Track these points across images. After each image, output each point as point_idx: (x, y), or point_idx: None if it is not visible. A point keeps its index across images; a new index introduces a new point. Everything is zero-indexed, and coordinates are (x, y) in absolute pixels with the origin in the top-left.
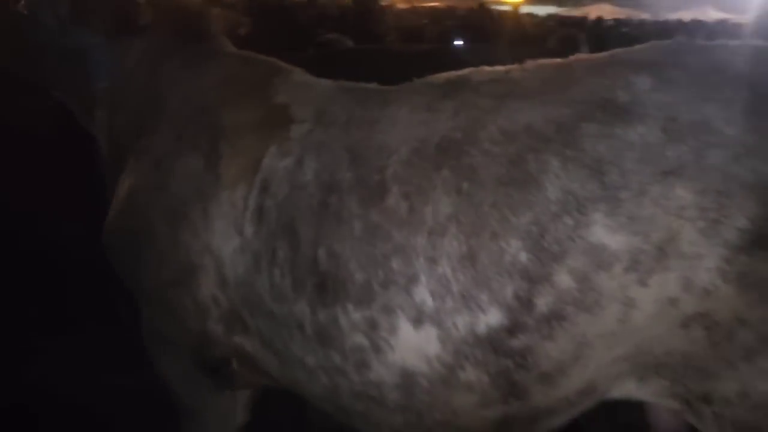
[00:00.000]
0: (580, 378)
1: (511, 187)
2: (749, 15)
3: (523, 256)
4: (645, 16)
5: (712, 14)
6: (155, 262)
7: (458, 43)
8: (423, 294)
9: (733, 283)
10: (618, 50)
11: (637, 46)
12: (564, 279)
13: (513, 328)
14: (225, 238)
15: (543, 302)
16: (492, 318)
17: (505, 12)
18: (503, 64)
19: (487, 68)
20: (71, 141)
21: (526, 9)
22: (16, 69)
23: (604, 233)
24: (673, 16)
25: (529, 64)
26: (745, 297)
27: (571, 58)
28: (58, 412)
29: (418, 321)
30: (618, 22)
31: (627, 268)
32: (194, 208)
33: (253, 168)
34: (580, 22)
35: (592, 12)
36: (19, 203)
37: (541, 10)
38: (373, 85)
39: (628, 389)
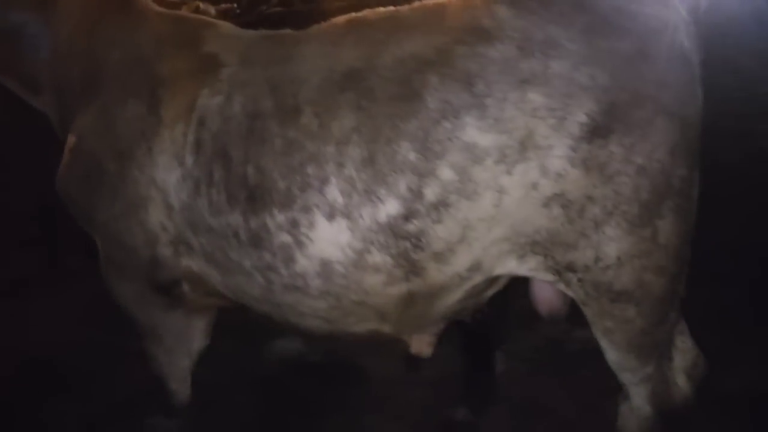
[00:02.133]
0: (467, 256)
1: (400, 101)
2: None
3: (412, 156)
4: None
5: None
6: (107, 198)
7: None
8: (334, 193)
9: (579, 167)
10: None
11: None
12: (446, 172)
13: (408, 215)
14: (168, 171)
15: (431, 192)
16: (390, 207)
17: None
18: None
19: (381, 8)
20: None
21: None
22: None
23: (476, 133)
24: None
25: (415, 4)
26: (590, 178)
27: None
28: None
29: (331, 216)
30: None
31: (496, 161)
32: (139, 147)
33: (189, 108)
34: None
35: None
36: None
37: None
38: (287, 31)
39: (511, 267)
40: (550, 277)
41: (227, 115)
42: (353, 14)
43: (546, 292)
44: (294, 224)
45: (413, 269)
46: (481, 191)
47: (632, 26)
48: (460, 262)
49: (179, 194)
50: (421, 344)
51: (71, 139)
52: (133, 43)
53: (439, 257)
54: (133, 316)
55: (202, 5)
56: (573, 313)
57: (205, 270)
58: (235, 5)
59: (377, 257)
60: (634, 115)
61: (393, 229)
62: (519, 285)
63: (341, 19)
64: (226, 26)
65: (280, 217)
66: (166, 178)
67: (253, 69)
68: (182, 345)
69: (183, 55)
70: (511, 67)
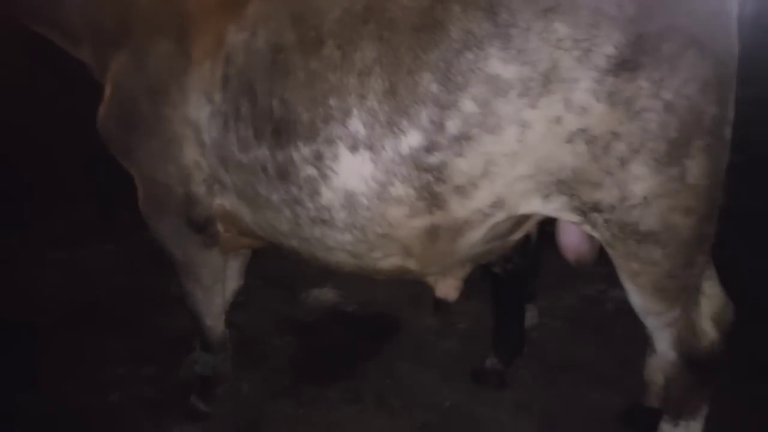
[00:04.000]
0: (490, 192)
1: (422, 32)
2: None
3: (434, 87)
4: None
5: None
6: (143, 136)
7: None
8: (356, 124)
9: (604, 101)
10: None
11: None
12: (468, 104)
13: (430, 147)
14: (199, 108)
15: (452, 125)
16: (412, 139)
17: None
18: None
19: None
20: None
21: None
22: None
23: (499, 65)
24: None
25: None
26: (615, 113)
27: None
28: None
29: (354, 148)
30: None
31: (520, 94)
32: (171, 86)
33: (217, 45)
34: None
35: None
36: None
37: None
38: None
39: (535, 206)
40: (575, 217)
41: (252, 49)
42: None
43: (573, 237)
44: (318, 157)
45: (436, 202)
46: (504, 125)
47: None
48: (483, 197)
49: (210, 131)
50: (448, 288)
51: (109, 81)
52: None
53: (462, 191)
54: (172, 253)
55: None
56: (609, 273)
57: (237, 207)
58: None
59: (400, 189)
60: (663, 48)
61: (415, 161)
62: (555, 244)
63: None
64: None
65: (305, 150)
66: (198, 116)
67: (276, 3)
68: (218, 283)
69: None
70: None
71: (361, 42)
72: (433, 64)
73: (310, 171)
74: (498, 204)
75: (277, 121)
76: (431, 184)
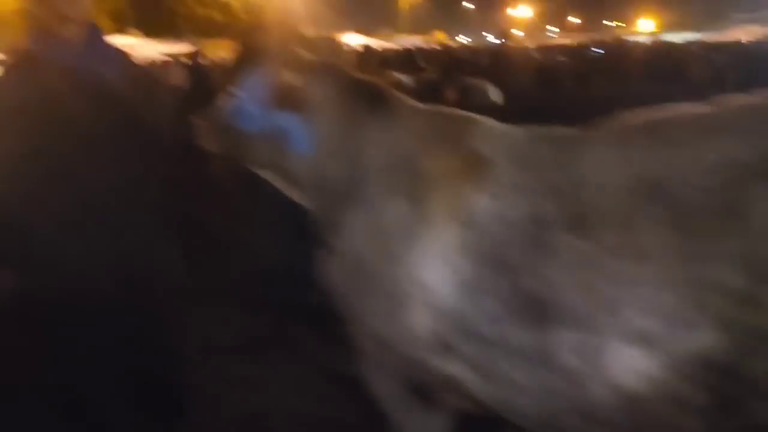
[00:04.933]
0: None
1: (720, 217)
2: None
3: (737, 280)
4: None
5: None
6: (371, 296)
7: None
8: (637, 315)
9: None
10: None
11: None
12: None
13: (733, 350)
14: (434, 272)
15: (759, 321)
16: (708, 338)
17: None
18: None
19: (684, 106)
20: None
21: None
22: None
23: None
24: None
25: (727, 102)
26: None
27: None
28: None
29: (636, 342)
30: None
31: None
32: (403, 247)
33: (455, 208)
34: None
35: (738, 35)
36: None
37: (678, 37)
38: (565, 129)
39: None
40: None
41: (500, 218)
42: (651, 114)
43: None
44: (585, 346)
45: (737, 412)
46: None
47: None
48: None
49: (450, 298)
50: None
51: (342, 235)
52: (395, 142)
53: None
54: (387, 410)
55: (398, 75)
56: None
57: (469, 378)
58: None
59: (697, 397)
60: None
61: (710, 365)
62: None
63: (636, 117)
64: (488, 122)
65: (569, 337)
66: (435, 280)
67: (529, 170)
68: None
69: (445, 152)
70: None
71: (643, 224)
72: (737, 253)
73: (573, 360)
74: None
75: (538, 303)
76: (733, 390)
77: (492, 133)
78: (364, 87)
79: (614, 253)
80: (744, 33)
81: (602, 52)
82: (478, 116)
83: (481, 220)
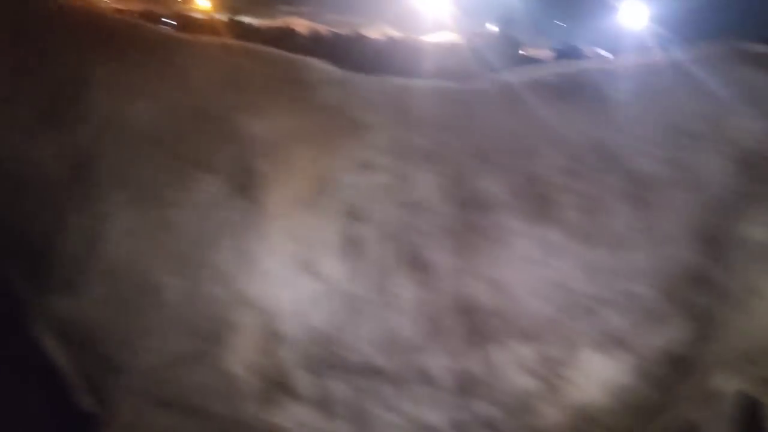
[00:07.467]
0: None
1: (682, 190)
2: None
3: (700, 259)
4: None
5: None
6: (156, 332)
7: None
8: (612, 315)
9: None
10: None
11: None
12: (724, 276)
13: (695, 339)
14: (284, 284)
15: (715, 306)
16: (678, 331)
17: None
18: None
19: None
20: None
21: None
22: None
23: (751, 228)
24: None
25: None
26: None
27: None
28: None
29: (604, 347)
30: None
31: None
32: (220, 250)
33: (319, 189)
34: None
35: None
36: None
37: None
38: (440, 82)
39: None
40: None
41: (411, 201)
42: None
43: None
44: (545, 361)
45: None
46: (749, 298)
47: None
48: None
49: (307, 318)
50: None
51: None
52: (181, 88)
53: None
54: None
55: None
56: None
57: (314, 424)
58: None
59: (649, 395)
60: None
61: (672, 358)
62: None
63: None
64: (330, 68)
65: (524, 353)
66: (277, 295)
67: (437, 135)
68: None
69: (285, 108)
70: None
71: (607, 201)
72: (697, 229)
73: (525, 381)
74: None
75: (473, 311)
76: (676, 380)
77: (347, 82)
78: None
79: (589, 239)
80: (295, 23)
81: (174, 23)
82: (312, 60)
83: (362, 202)
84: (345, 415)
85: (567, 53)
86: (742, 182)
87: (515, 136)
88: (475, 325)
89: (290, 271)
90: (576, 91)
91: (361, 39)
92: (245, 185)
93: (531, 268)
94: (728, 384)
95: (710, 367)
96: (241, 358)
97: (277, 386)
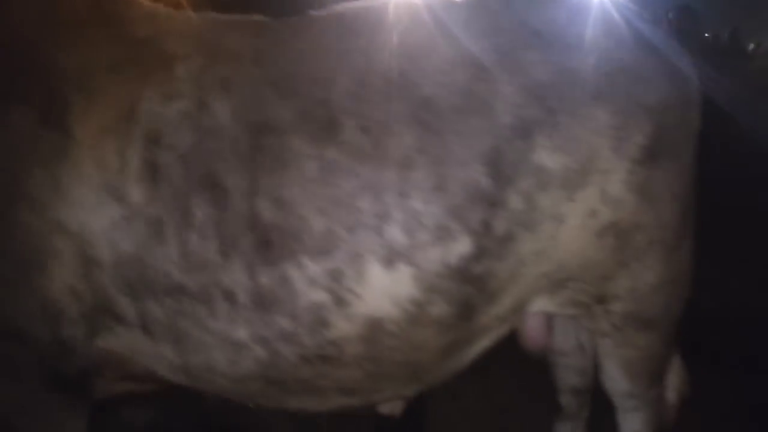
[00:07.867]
0: (513, 295)
1: (469, 115)
2: None
3: (485, 181)
4: None
5: None
6: None
7: None
8: (394, 231)
9: (634, 192)
10: None
11: None
12: (515, 200)
13: (479, 254)
14: (93, 209)
15: (499, 225)
16: (462, 246)
17: None
18: None
19: None
20: None
21: None
22: None
23: (545, 155)
24: None
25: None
26: (642, 204)
27: None
28: None
29: (389, 261)
30: None
31: (559, 186)
32: (33, 178)
33: (125, 118)
34: None
35: None
36: None
37: None
38: (261, 17)
39: (541, 304)
40: (573, 311)
41: (207, 127)
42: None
43: (540, 327)
44: (335, 276)
45: (467, 314)
46: (542, 221)
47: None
48: (506, 302)
49: (116, 243)
50: (395, 403)
51: None
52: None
53: (491, 298)
54: (10, 424)
55: None
56: None
57: (143, 348)
58: None
59: (440, 308)
60: (676, 137)
61: (462, 273)
62: None
63: (348, 7)
64: (145, 4)
65: (314, 269)
66: (88, 221)
67: (239, 65)
68: None
69: (99, 41)
70: (583, 79)
71: (393, 124)
72: (485, 154)
73: (318, 296)
74: (516, 307)
75: (264, 228)
76: (471, 296)
77: (163, 16)
78: None
79: (370, 160)
80: None
81: None
82: None
83: (167, 130)
84: (165, 337)
85: None
86: (532, 112)
87: (316, 66)
88: (268, 243)
89: (99, 198)
90: (376, 24)
91: None
92: (56, 116)
93: (315, 187)
94: (536, 305)
95: (507, 285)
96: (61, 283)
97: (103, 311)
